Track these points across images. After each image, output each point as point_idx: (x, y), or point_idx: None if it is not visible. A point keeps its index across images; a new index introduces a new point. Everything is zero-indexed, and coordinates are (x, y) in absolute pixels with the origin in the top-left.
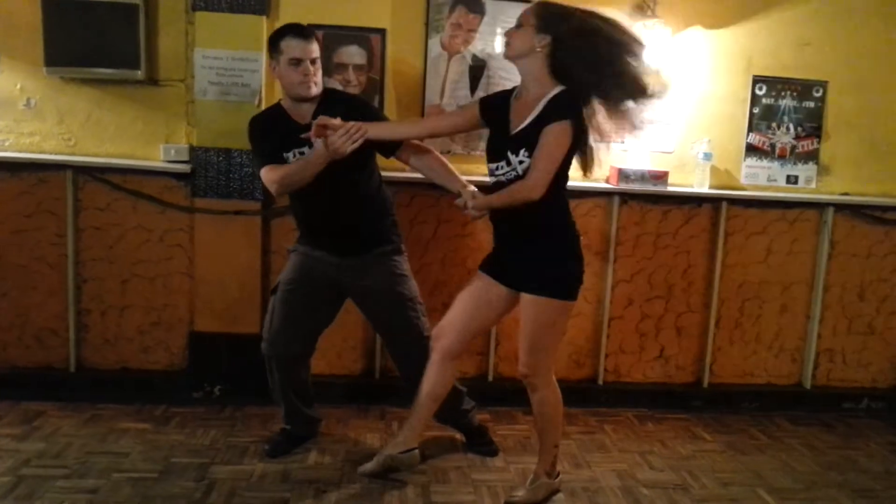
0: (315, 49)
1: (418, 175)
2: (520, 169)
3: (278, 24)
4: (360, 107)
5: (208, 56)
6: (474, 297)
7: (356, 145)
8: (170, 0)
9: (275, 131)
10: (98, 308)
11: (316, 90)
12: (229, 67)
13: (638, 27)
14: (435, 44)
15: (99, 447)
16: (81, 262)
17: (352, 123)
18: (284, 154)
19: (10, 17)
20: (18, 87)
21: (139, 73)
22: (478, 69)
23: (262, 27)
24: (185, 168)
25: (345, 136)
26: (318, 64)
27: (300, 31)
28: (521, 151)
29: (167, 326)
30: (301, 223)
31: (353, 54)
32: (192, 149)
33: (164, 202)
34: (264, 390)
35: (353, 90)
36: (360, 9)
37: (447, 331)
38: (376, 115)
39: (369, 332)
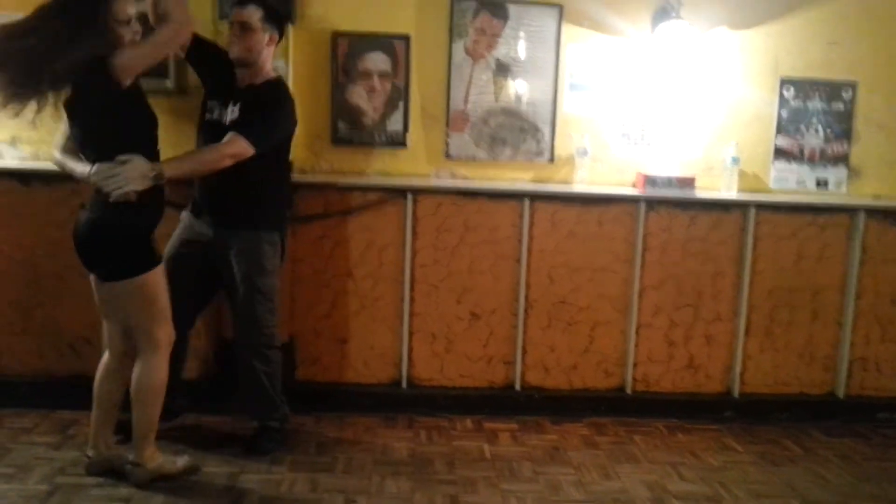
0: (245, 14)
1: (443, 183)
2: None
3: (303, 32)
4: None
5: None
6: None
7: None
8: (197, 9)
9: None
10: None
11: (241, 53)
12: None
13: (663, 28)
14: (459, 49)
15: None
16: None
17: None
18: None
19: None
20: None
21: (168, 83)
22: (502, 73)
23: (287, 36)
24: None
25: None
26: (251, 29)
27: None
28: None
29: (198, 334)
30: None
31: (377, 61)
32: None
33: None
34: (291, 398)
35: (378, 98)
36: (385, 16)
37: None
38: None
39: (396, 339)
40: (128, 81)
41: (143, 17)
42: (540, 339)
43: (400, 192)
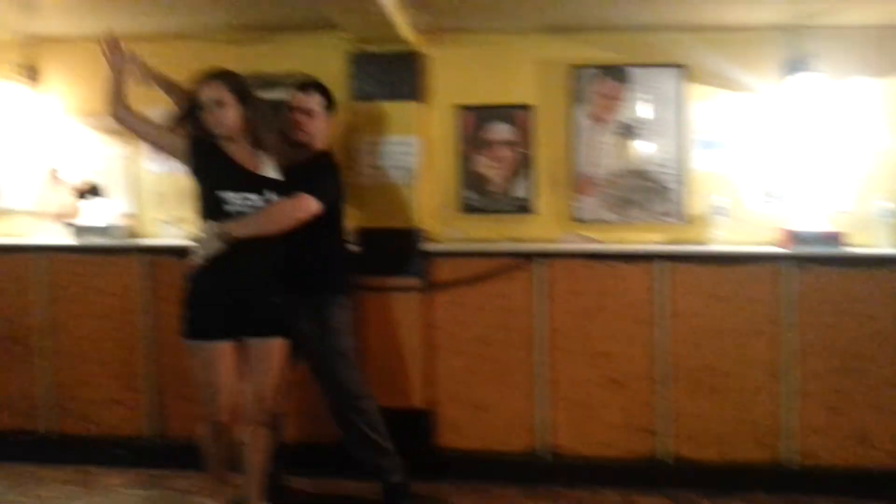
0: (311, 101)
1: (573, 247)
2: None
3: (431, 107)
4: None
5: (367, 142)
6: None
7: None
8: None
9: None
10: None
11: (305, 137)
12: (387, 152)
13: (796, 80)
14: (582, 115)
15: None
16: None
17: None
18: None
19: None
20: None
21: None
22: (627, 135)
23: (417, 113)
24: (353, 248)
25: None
26: (315, 115)
27: (304, 85)
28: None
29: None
30: None
31: (501, 131)
32: (357, 230)
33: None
34: (430, 465)
35: (503, 166)
36: (508, 88)
37: None
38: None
39: (533, 406)
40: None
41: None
42: (685, 407)
43: (529, 257)
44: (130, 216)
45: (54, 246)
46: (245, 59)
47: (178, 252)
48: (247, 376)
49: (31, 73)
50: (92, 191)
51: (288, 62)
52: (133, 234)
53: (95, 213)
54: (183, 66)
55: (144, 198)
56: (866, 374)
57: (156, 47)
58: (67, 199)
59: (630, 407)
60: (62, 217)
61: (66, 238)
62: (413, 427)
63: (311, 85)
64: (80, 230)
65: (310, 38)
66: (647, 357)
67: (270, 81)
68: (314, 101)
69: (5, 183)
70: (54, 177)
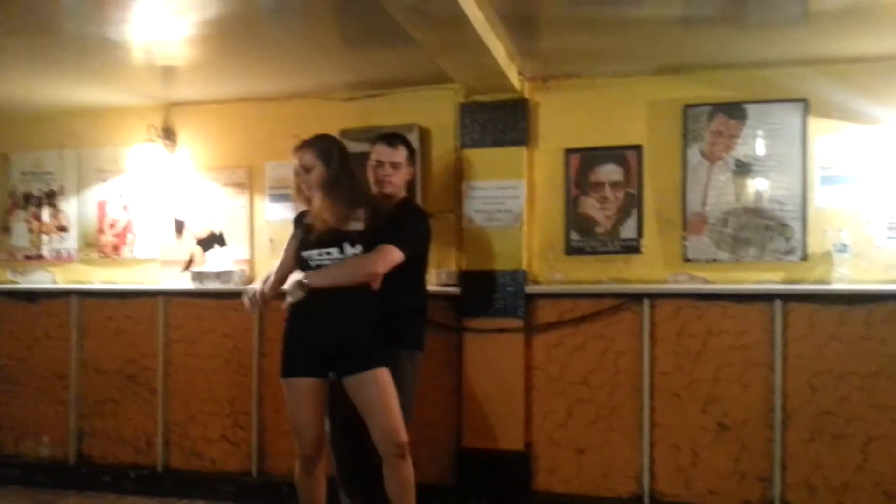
0: (396, 154)
1: (680, 287)
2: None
3: (538, 153)
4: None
5: (475, 187)
6: None
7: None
8: (441, 142)
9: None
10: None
11: (390, 189)
12: (493, 196)
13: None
14: (694, 153)
15: None
16: None
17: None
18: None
19: None
20: None
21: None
22: (743, 173)
23: (523, 157)
24: (455, 290)
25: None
26: (399, 167)
27: (388, 139)
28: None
29: (436, 442)
30: None
31: (609, 172)
32: (460, 272)
33: (436, 322)
34: None
35: (611, 206)
36: (617, 129)
37: None
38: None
39: (636, 451)
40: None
41: None
42: (802, 455)
43: (636, 298)
44: (246, 262)
45: (173, 291)
46: (361, 115)
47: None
48: (367, 417)
49: (168, 134)
50: (213, 239)
51: (401, 115)
52: (248, 279)
53: (215, 260)
54: (301, 123)
55: (259, 245)
56: None
57: (277, 106)
58: (192, 248)
59: (742, 454)
60: (186, 264)
61: (187, 283)
62: (515, 468)
63: (397, 138)
64: (201, 276)
65: (423, 91)
66: (762, 401)
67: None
68: (400, 155)
69: (139, 234)
70: (181, 227)
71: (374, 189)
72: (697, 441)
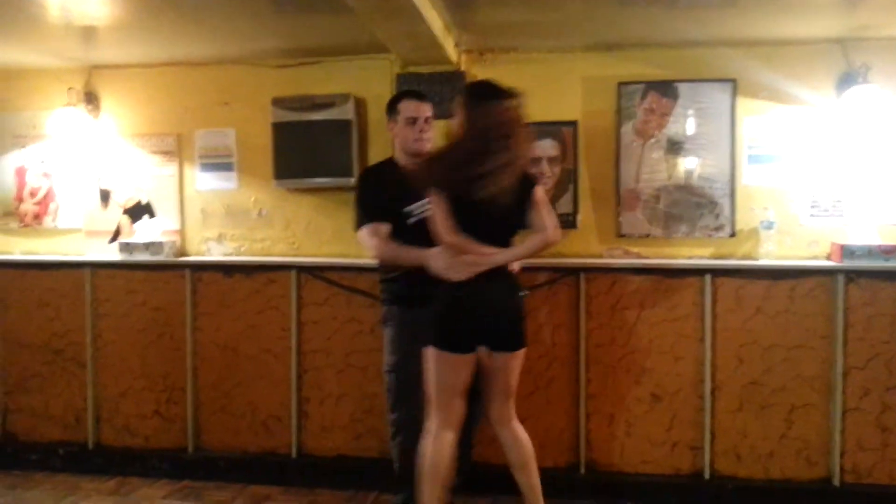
0: (428, 109)
1: (617, 261)
2: None
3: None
4: None
5: None
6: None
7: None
8: (378, 113)
9: (389, 185)
10: (317, 397)
11: (429, 146)
12: None
13: (850, 94)
14: (627, 131)
15: None
16: (303, 353)
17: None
18: (405, 209)
19: (246, 141)
20: (252, 199)
21: (352, 181)
22: (674, 151)
23: None
24: None
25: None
26: (431, 123)
27: (416, 94)
28: None
29: (379, 415)
30: None
31: (546, 147)
32: None
33: (374, 296)
34: (471, 478)
35: (548, 181)
36: (553, 104)
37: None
38: None
39: (572, 422)
40: None
41: None
42: (730, 424)
43: (572, 272)
44: (177, 233)
45: (100, 262)
46: (294, 83)
47: (222, 268)
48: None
49: (91, 98)
50: (141, 209)
51: (336, 84)
52: (179, 251)
53: (144, 231)
54: (232, 90)
55: (190, 215)
56: None
57: (207, 72)
58: (118, 218)
59: (673, 423)
60: (114, 235)
61: (115, 254)
62: None
63: (422, 94)
64: (129, 247)
65: (358, 61)
66: (693, 373)
67: (320, 103)
68: (429, 108)
69: (62, 203)
70: (106, 197)
71: (413, 148)
72: (632, 412)
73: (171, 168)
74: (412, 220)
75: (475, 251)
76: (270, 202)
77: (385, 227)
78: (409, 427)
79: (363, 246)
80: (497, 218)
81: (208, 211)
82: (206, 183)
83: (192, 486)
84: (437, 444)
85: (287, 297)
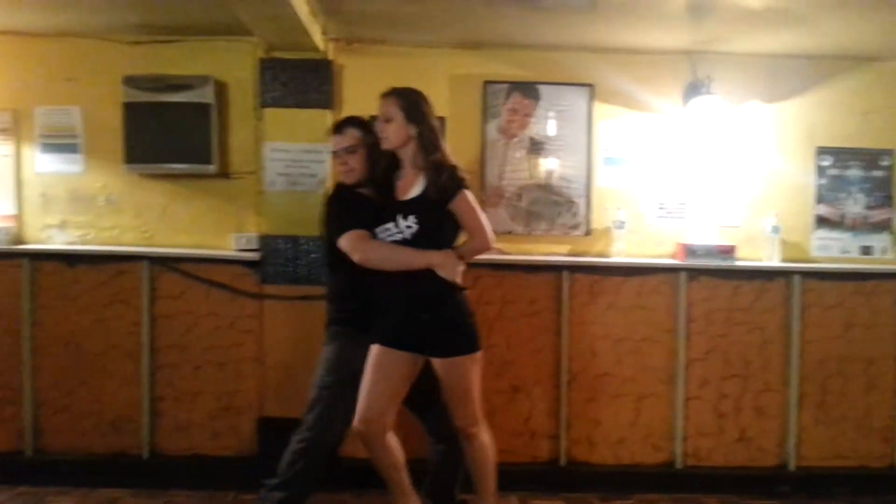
0: (342, 140)
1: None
2: (406, 233)
3: (341, 116)
4: None
5: (277, 149)
6: (389, 374)
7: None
8: (240, 99)
9: (358, 204)
10: (171, 395)
11: (352, 176)
12: (297, 159)
13: (695, 103)
14: (492, 129)
15: None
16: (156, 349)
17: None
18: (377, 228)
19: (93, 121)
20: (100, 184)
21: (212, 168)
22: (536, 151)
23: (327, 120)
24: (255, 256)
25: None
26: (357, 153)
27: (336, 126)
28: (410, 217)
29: (237, 412)
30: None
31: None
32: (261, 237)
33: (235, 289)
34: (332, 475)
35: None
36: None
37: (376, 415)
38: None
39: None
40: None
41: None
42: (584, 413)
43: None
44: (13, 218)
45: None
46: (148, 61)
47: (65, 258)
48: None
49: None
50: None
51: (195, 65)
52: (16, 238)
53: None
54: (78, 64)
55: (28, 200)
56: (751, 380)
57: (49, 44)
58: None
59: (532, 413)
60: None
61: None
62: None
63: (340, 124)
64: None
65: (220, 42)
66: (550, 365)
67: (177, 84)
68: (343, 140)
69: None
70: None
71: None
72: (492, 403)
73: (6, 147)
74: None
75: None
76: (120, 188)
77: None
78: (318, 442)
79: (350, 250)
80: None
81: (49, 195)
82: (46, 165)
83: (31, 492)
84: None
85: (138, 290)
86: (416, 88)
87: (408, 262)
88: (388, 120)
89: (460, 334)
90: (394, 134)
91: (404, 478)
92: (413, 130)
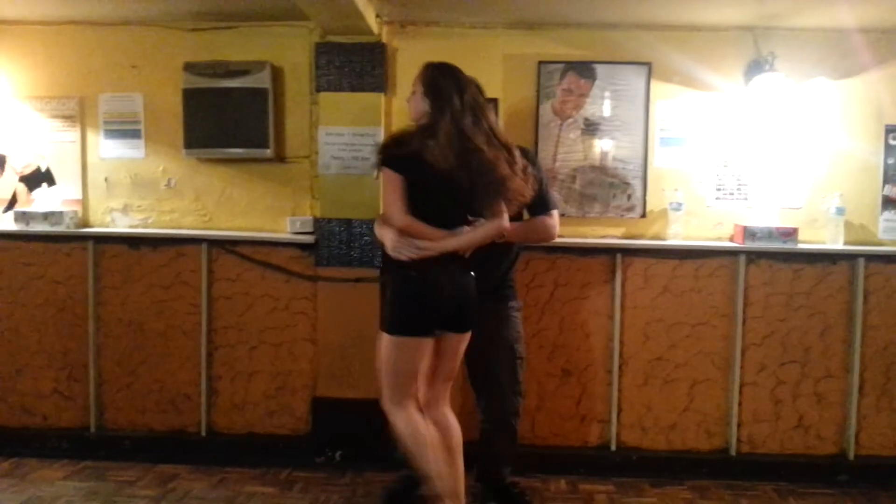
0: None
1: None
2: None
3: (396, 101)
4: None
5: (331, 133)
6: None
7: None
8: (296, 83)
9: None
10: (228, 374)
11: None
12: (350, 143)
13: (757, 81)
14: (546, 110)
15: None
16: (214, 330)
17: None
18: None
19: (154, 107)
20: (161, 168)
21: (268, 152)
22: (591, 131)
23: (381, 103)
24: (310, 239)
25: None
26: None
27: None
28: None
29: (291, 391)
30: None
31: None
32: (316, 220)
33: (290, 271)
34: (384, 455)
35: None
36: None
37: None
38: None
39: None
40: None
41: None
42: (636, 398)
43: None
44: (78, 203)
45: None
46: (208, 48)
47: (128, 240)
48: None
49: None
50: (40, 177)
51: (252, 51)
52: (81, 221)
53: (43, 200)
54: (141, 52)
55: (93, 184)
56: (810, 366)
57: (113, 33)
58: (14, 185)
59: (583, 398)
60: (9, 204)
61: (9, 224)
62: (370, 417)
63: None
64: (26, 216)
65: (276, 28)
66: (602, 349)
67: (234, 70)
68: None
69: None
70: (1, 163)
71: None
72: (543, 387)
73: (73, 134)
74: None
75: (427, 235)
76: (180, 172)
77: None
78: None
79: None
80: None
81: (113, 180)
82: (110, 150)
83: (94, 467)
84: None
85: (197, 272)
86: (449, 64)
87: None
88: (413, 92)
89: (383, 310)
90: (413, 106)
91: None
92: (428, 105)
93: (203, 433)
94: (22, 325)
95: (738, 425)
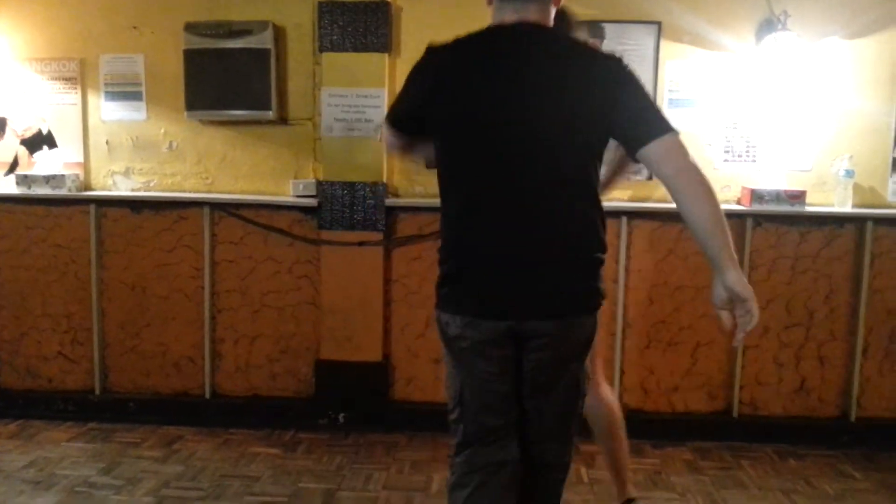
0: None
1: None
2: None
3: (399, 62)
4: None
5: (334, 94)
6: None
7: None
8: (298, 43)
9: None
10: (231, 337)
11: None
12: (354, 104)
13: (769, 41)
14: None
15: (232, 471)
16: (216, 293)
17: None
18: None
19: (155, 69)
20: (162, 131)
21: (270, 114)
22: None
23: (384, 65)
24: (313, 202)
25: None
26: None
27: None
28: None
29: (294, 354)
30: None
31: None
32: (318, 183)
33: (292, 235)
34: (386, 417)
35: None
36: None
37: None
38: None
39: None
40: None
41: None
42: (638, 361)
43: None
44: (80, 166)
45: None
46: (209, 8)
47: (130, 204)
48: None
49: None
50: (41, 140)
51: (254, 11)
52: (83, 185)
53: (44, 163)
54: (141, 13)
55: (94, 147)
56: (814, 329)
57: None
58: (15, 148)
59: None
60: (10, 167)
61: (11, 188)
62: (373, 380)
63: None
64: (28, 180)
65: None
66: (605, 312)
67: (236, 31)
68: None
69: None
70: (2, 125)
71: None
72: None
73: (74, 96)
74: None
75: None
76: (182, 135)
77: None
78: None
79: None
80: None
81: (114, 143)
82: (111, 113)
83: (99, 429)
84: None
85: (199, 236)
86: None
87: None
88: None
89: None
90: None
91: None
92: None
93: (207, 395)
94: (26, 288)
95: (741, 388)
